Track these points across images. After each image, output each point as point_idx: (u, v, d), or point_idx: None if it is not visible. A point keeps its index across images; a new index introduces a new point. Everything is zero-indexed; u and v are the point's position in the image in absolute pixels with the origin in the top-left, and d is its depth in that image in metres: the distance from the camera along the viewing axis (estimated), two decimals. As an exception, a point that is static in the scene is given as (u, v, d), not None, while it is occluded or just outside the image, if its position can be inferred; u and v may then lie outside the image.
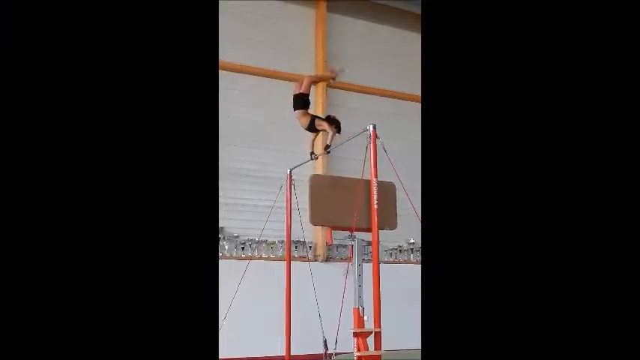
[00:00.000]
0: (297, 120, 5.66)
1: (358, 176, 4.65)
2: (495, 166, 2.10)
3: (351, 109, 8.97)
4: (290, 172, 6.70)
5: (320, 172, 7.96)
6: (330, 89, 8.82)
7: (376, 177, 4.53)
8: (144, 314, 1.97)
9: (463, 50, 2.18)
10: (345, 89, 9.05)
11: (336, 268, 7.78)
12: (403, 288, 7.48)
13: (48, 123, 2.01)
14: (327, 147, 5.63)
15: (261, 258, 7.86)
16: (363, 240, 4.83)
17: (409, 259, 9.02)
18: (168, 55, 2.10)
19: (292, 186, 6.64)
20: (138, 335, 1.96)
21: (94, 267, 1.96)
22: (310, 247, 8.23)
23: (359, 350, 4.20)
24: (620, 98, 2.03)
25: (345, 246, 8.06)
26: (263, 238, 7.71)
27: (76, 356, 1.91)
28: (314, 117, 5.65)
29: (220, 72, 7.79)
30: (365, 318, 4.41)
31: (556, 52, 2.10)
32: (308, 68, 8.81)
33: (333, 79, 7.27)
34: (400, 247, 8.95)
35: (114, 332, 1.95)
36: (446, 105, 2.18)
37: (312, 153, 6.01)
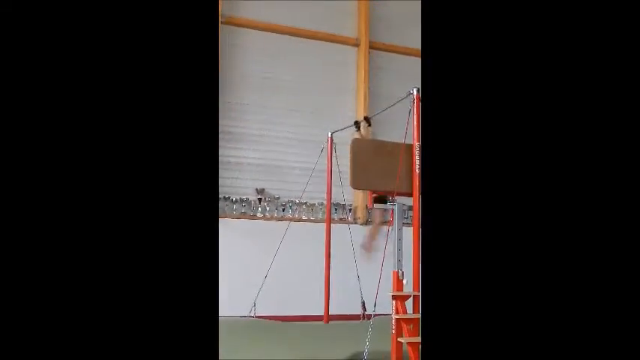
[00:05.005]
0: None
1: (400, 140, 4.60)
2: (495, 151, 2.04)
3: (395, 72, 8.79)
4: (331, 135, 6.70)
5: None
6: (372, 50, 8.65)
7: (419, 141, 4.47)
8: (144, 284, 1.94)
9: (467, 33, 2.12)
10: (389, 51, 8.85)
11: (376, 232, 7.81)
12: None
13: (42, 84, 1.96)
14: (367, 118, 5.95)
15: (301, 220, 7.97)
16: (403, 204, 4.81)
17: (449, 224, 8.94)
18: (167, 23, 2.04)
19: (333, 149, 6.65)
20: (138, 303, 1.93)
21: (94, 241, 1.93)
22: (350, 209, 8.27)
23: (397, 313, 4.25)
24: (620, 96, 1.96)
25: (385, 209, 8.04)
26: (303, 200, 7.80)
27: (73, 326, 1.90)
28: None
29: (263, 34, 7.80)
30: (404, 281, 4.43)
31: (558, 43, 2.03)
32: (350, 29, 8.65)
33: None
34: (441, 212, 8.88)
35: (114, 301, 1.91)
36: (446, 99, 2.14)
37: (356, 122, 6.10)
